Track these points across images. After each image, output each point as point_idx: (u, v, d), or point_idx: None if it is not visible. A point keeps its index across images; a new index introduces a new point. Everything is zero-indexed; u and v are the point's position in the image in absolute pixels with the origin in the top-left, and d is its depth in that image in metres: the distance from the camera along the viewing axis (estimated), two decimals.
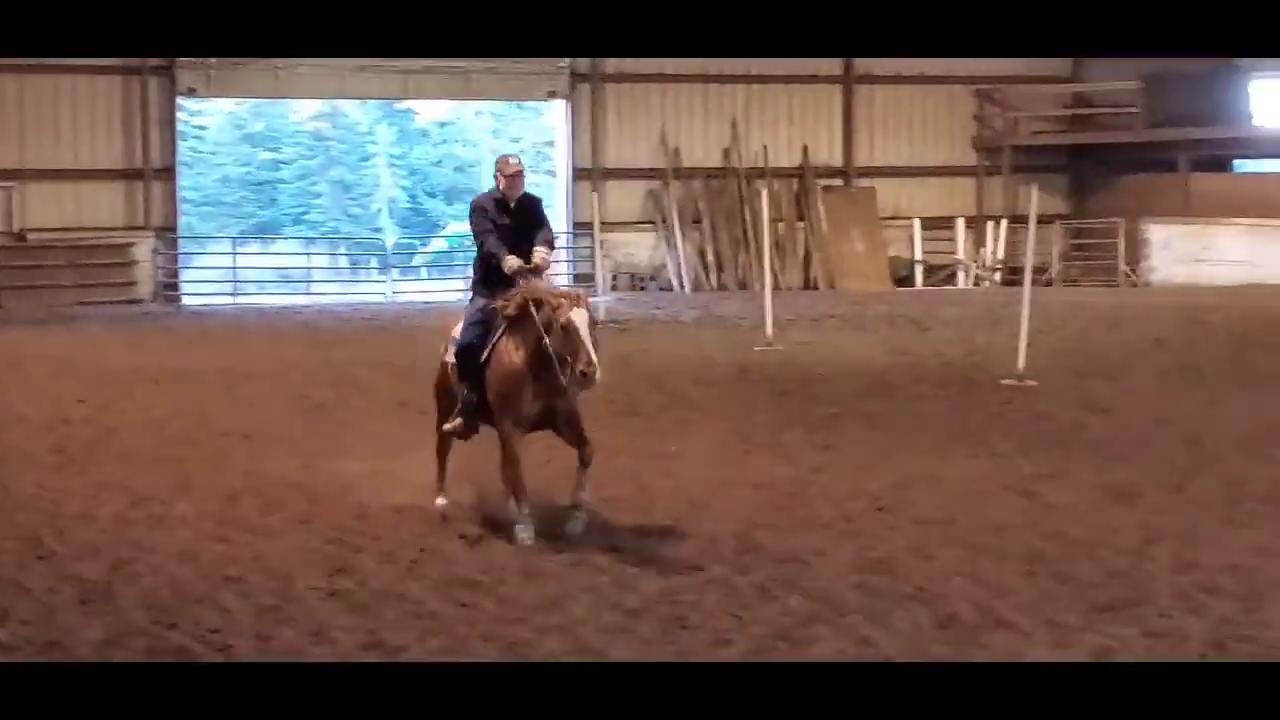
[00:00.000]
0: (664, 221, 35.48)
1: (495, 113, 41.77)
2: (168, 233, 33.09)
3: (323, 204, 42.54)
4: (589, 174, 35.54)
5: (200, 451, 14.43)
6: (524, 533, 10.59)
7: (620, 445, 14.62)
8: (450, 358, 11.30)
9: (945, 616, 8.77)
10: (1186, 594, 9.21)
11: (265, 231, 41.28)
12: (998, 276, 36.71)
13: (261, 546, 10.68)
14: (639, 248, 35.51)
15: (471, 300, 11.32)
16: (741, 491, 12.42)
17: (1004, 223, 37.11)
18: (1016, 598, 9.21)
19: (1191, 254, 35.23)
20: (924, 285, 36.49)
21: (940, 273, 37.25)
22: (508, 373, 10.69)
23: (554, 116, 36.69)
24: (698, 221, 35.62)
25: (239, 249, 37.22)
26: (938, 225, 37.41)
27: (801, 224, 36.22)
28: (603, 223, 31.30)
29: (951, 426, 15.69)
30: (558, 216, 37.13)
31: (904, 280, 36.55)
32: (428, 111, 41.89)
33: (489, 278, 11.06)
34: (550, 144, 37.94)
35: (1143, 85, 35.87)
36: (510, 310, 10.70)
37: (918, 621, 8.70)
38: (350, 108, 41.55)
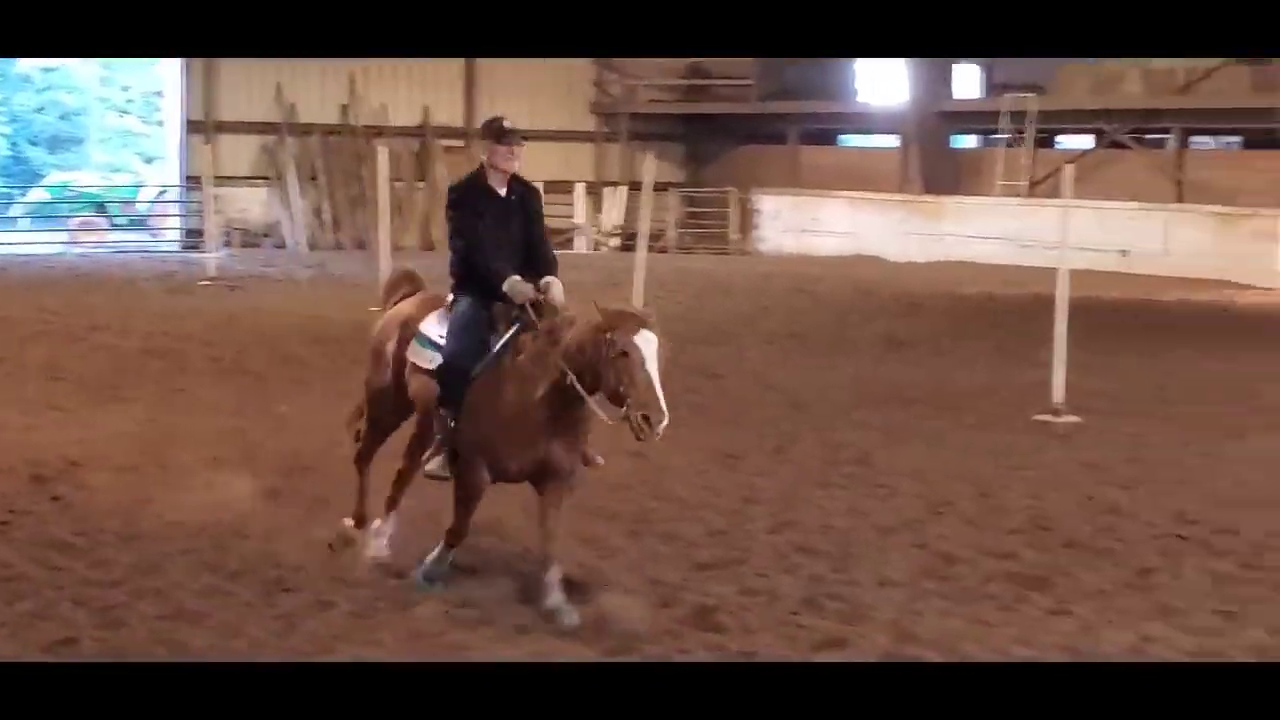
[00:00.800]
0: (279, 177, 34.79)
1: (103, 59, 40.21)
2: None
3: None
4: (202, 126, 34.58)
5: None
6: (431, 583, 8.45)
7: (228, 405, 14.31)
8: (420, 360, 8.63)
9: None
10: (782, 553, 9.48)
11: None
12: (616, 242, 37.22)
13: None
14: (253, 204, 34.74)
15: (457, 298, 8.59)
16: (352, 452, 12.21)
17: (622, 189, 37.66)
18: (623, 557, 9.34)
19: (799, 224, 36.39)
20: None
21: (559, 237, 37.55)
22: (511, 412, 8.10)
23: (166, 66, 35.51)
24: (314, 178, 35.07)
25: None
26: (557, 190, 37.63)
27: (421, 184, 36.01)
28: (215, 177, 30.47)
29: None
30: (170, 170, 36.11)
31: None
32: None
33: (479, 277, 8.46)
34: (160, 94, 36.74)
35: (756, 59, 36.82)
36: (571, 337, 7.97)
37: (525, 583, 8.71)
38: None
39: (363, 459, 9.43)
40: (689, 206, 38.23)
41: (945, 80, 36.39)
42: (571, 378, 7.86)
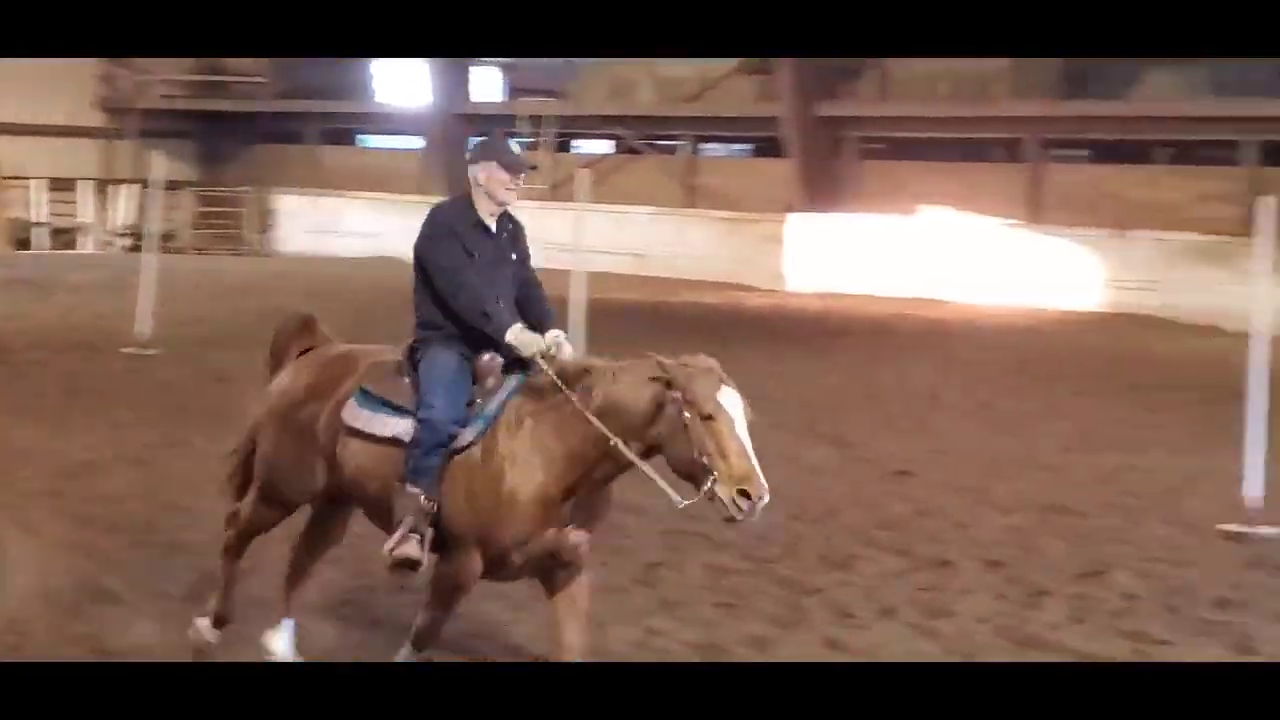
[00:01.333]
0: None
1: None
2: None
3: None
4: None
5: None
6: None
7: None
8: (366, 425, 7.00)
9: (49, 592, 8.43)
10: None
11: None
12: (126, 242, 35.96)
13: None
14: None
15: (425, 349, 6.97)
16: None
17: (132, 187, 36.40)
18: (125, 571, 9.00)
19: (320, 225, 36.03)
20: (48, 249, 35.27)
21: (64, 236, 36.10)
22: (519, 488, 6.64)
23: None
24: None
25: None
26: (62, 187, 36.21)
27: None
28: None
29: (68, 396, 15.26)
30: None
31: (25, 243, 35.19)
32: None
33: (467, 323, 6.92)
34: None
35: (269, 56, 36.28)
36: (620, 385, 6.61)
37: (21, 597, 8.32)
38: None
39: (236, 547, 7.71)
40: (203, 206, 37.32)
41: (465, 83, 36.65)
42: (618, 442, 6.52)
